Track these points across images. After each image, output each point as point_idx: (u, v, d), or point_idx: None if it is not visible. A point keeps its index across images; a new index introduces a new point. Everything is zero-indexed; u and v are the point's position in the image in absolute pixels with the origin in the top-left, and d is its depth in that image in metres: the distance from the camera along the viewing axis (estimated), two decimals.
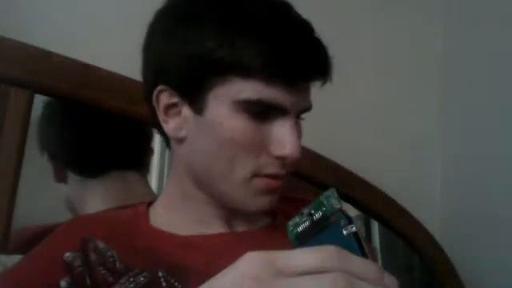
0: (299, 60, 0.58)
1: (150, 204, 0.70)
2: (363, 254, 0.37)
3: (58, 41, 0.91)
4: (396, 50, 1.39)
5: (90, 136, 0.92)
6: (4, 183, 0.81)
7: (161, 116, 0.63)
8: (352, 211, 1.20)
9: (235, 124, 0.58)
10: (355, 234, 0.38)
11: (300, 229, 0.40)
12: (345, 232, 0.38)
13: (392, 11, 1.40)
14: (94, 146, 0.92)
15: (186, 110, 0.61)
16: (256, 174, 0.60)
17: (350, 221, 0.38)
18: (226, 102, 0.58)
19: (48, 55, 0.86)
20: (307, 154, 1.12)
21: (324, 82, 0.62)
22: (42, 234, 0.64)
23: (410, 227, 1.25)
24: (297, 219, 0.41)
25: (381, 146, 1.34)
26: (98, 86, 0.89)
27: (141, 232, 0.63)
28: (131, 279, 0.57)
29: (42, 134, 0.91)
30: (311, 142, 1.11)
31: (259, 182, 0.61)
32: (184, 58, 0.59)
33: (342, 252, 0.34)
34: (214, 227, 0.65)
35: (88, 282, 0.57)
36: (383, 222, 1.24)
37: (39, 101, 0.89)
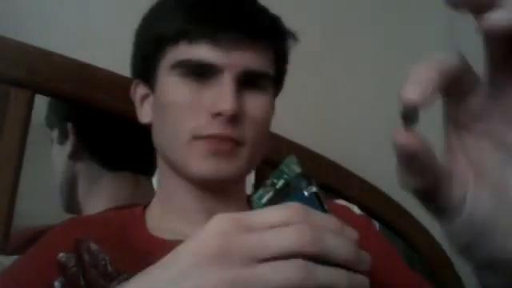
0: (216, 16, 0.61)
1: (146, 206, 0.69)
2: (324, 211, 0.39)
3: (58, 41, 0.91)
4: (396, 49, 1.39)
5: (121, 130, 0.91)
6: (4, 183, 0.80)
7: (138, 108, 0.68)
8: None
9: (171, 88, 0.62)
10: (315, 193, 0.40)
11: (264, 200, 0.41)
12: (306, 193, 0.40)
13: (392, 11, 1.40)
14: (124, 140, 0.91)
15: (152, 96, 0.66)
16: (196, 136, 0.60)
17: (309, 182, 0.40)
18: (165, 71, 0.62)
19: (48, 55, 0.86)
20: (307, 154, 1.12)
21: (270, 43, 0.63)
22: (41, 234, 0.64)
23: (409, 227, 1.25)
24: (260, 191, 0.42)
25: (381, 146, 1.33)
26: (98, 86, 0.89)
27: (135, 236, 0.63)
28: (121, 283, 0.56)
29: (65, 104, 0.91)
30: (311, 142, 1.11)
31: (201, 144, 0.60)
32: (135, 48, 0.67)
33: (304, 207, 0.37)
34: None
35: (82, 282, 0.57)
36: (383, 222, 1.24)
37: (39, 101, 0.89)
